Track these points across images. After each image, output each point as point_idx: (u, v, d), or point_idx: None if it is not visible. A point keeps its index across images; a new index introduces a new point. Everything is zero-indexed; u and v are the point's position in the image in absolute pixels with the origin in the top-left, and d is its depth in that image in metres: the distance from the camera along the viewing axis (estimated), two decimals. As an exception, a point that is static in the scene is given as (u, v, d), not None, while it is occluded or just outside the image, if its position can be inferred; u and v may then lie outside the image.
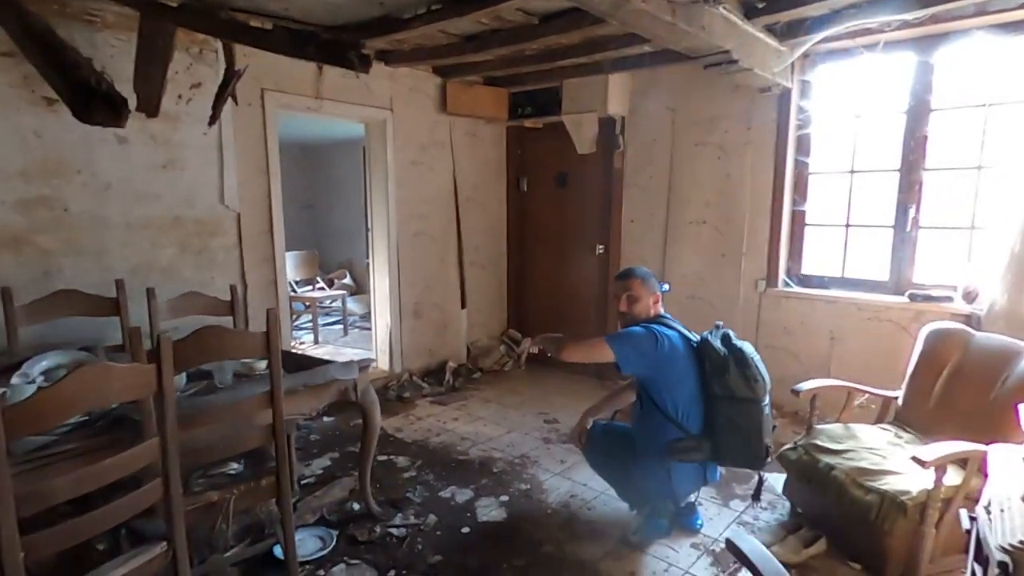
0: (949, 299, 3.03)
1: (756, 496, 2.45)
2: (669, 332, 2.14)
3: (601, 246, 4.39)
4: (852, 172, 3.40)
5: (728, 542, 1.33)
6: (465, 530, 2.41)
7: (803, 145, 3.54)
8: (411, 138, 4.09)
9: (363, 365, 2.33)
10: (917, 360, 2.52)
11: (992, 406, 2.18)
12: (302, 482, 2.75)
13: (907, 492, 1.99)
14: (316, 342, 5.31)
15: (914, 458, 1.93)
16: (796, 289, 3.55)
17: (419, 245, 4.27)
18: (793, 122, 3.48)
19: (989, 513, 1.37)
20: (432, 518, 2.48)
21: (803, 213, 3.59)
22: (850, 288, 3.43)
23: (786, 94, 3.42)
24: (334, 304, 6.34)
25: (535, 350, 2.31)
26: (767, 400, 2.11)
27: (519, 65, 3.71)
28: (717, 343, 2.12)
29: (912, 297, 3.09)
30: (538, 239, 4.82)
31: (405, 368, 4.26)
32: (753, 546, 1.30)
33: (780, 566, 1.25)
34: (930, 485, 1.96)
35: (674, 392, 2.13)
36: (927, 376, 2.46)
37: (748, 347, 2.10)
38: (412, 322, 4.28)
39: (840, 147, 3.45)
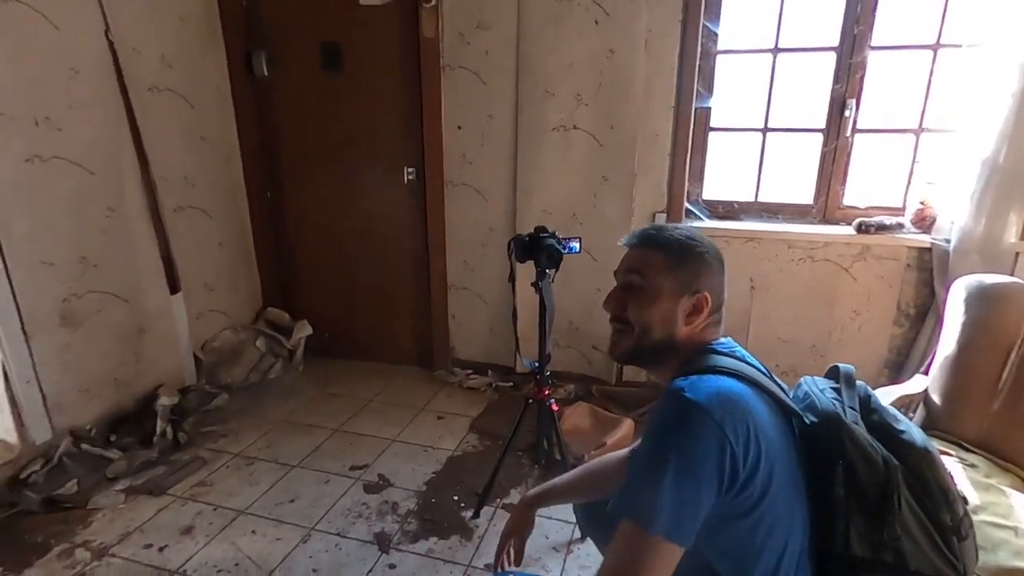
0: (900, 226, 2.33)
1: None
2: (753, 408, 0.79)
3: (411, 169, 2.77)
4: (776, 51, 2.40)
5: None
6: None
7: (712, 6, 2.39)
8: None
9: None
10: (961, 335, 1.67)
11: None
12: None
13: None
14: None
15: None
16: (708, 224, 2.51)
17: (45, 182, 2.07)
18: (705, -33, 2.28)
19: None
20: None
21: (708, 111, 2.51)
22: (768, 218, 2.54)
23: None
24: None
25: None
26: None
27: None
28: (863, 431, 0.85)
29: (862, 228, 2.30)
30: (301, 160, 2.93)
31: (62, 427, 2.18)
32: None
33: None
34: None
35: (769, 552, 0.83)
36: (984, 360, 1.63)
37: (921, 436, 0.88)
38: (62, 337, 2.16)
39: (758, 13, 2.39)
